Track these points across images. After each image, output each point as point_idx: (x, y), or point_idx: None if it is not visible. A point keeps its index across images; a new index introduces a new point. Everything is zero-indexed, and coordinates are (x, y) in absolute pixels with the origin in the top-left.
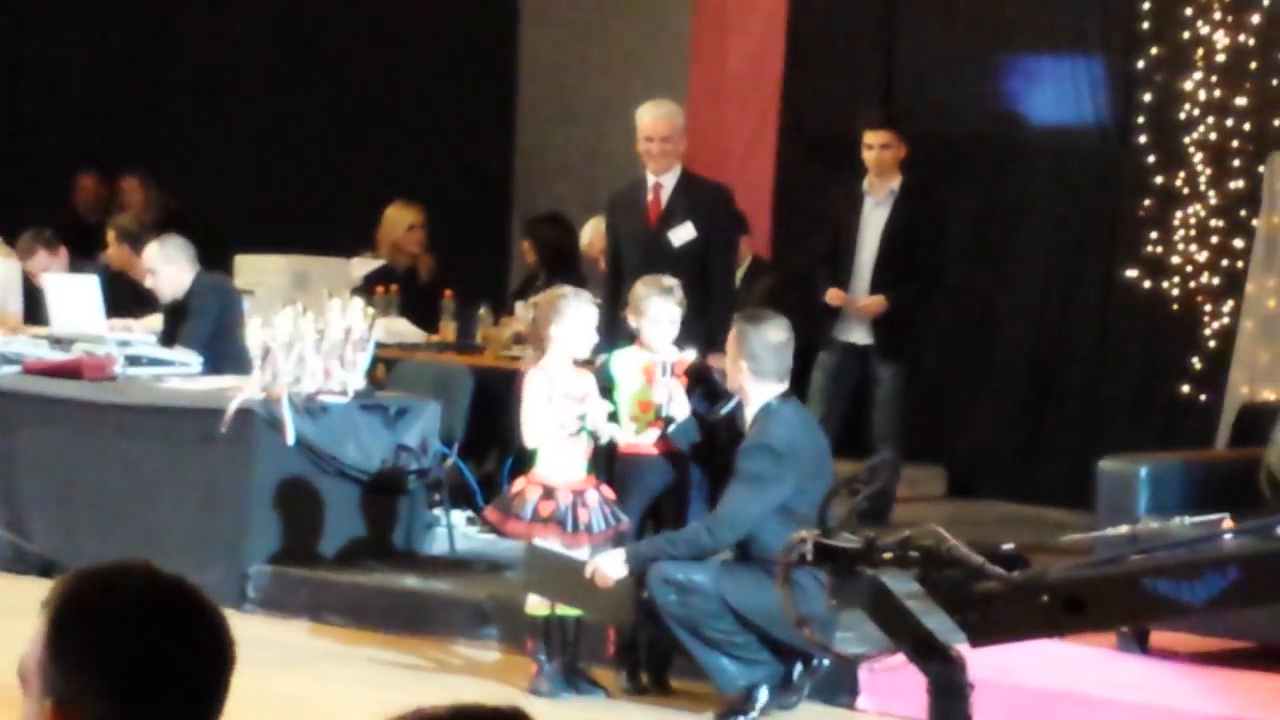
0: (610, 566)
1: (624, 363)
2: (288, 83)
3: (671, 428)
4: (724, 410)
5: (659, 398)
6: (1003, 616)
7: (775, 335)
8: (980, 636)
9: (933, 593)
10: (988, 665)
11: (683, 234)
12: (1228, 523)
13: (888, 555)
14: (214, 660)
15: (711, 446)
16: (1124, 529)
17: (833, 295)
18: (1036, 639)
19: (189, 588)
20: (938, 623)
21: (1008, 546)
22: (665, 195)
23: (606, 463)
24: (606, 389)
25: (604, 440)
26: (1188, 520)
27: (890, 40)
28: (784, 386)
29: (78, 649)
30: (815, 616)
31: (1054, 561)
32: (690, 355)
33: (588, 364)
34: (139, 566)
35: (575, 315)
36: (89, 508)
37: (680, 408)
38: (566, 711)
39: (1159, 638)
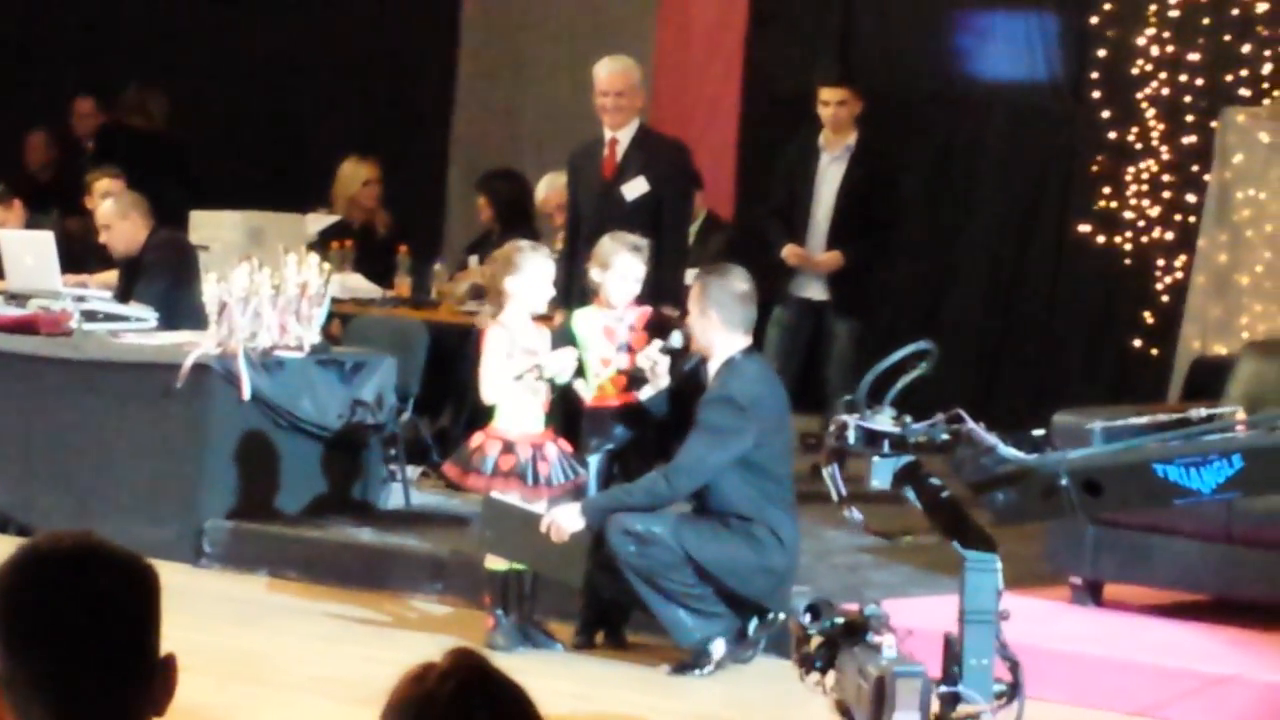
0: (567, 520)
1: (586, 322)
2: (239, 38)
3: (646, 393)
4: (686, 368)
5: (643, 363)
6: (1025, 497)
7: (739, 285)
8: (1003, 516)
9: (958, 473)
10: (941, 618)
11: (636, 188)
12: (1240, 414)
13: (922, 439)
14: (124, 608)
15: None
16: (1143, 419)
17: (790, 252)
18: (1055, 519)
19: (93, 543)
20: None
21: (1038, 432)
22: (620, 150)
23: (566, 419)
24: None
25: (561, 382)
26: (1203, 412)
27: None
28: (748, 339)
29: None
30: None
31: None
32: (646, 310)
33: (546, 319)
34: (49, 534)
35: (533, 269)
36: (45, 463)
37: (662, 379)
38: (523, 665)
39: (1112, 590)
